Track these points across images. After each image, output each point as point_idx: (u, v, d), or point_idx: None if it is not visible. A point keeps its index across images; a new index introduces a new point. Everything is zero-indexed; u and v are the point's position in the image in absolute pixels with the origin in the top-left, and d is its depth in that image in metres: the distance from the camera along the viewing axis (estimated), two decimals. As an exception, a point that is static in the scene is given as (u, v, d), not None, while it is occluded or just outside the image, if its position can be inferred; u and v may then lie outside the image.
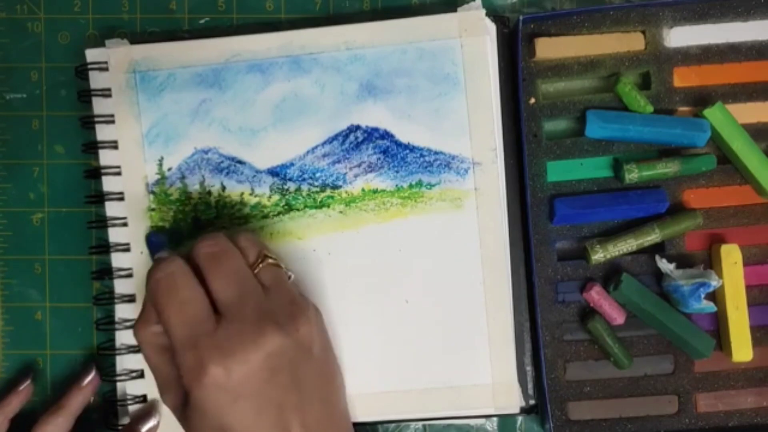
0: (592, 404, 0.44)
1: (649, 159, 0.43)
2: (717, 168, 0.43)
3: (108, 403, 0.44)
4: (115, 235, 0.43)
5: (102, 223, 0.43)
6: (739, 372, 0.44)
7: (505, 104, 0.43)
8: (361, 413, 0.43)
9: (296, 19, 0.46)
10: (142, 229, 0.43)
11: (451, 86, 0.43)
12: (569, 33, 0.44)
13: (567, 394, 0.44)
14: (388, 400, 0.43)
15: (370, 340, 0.43)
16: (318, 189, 0.43)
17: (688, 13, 0.44)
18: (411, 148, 0.43)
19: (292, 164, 0.43)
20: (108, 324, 0.43)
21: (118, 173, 0.43)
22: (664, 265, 0.43)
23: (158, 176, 0.43)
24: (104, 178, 0.43)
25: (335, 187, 0.43)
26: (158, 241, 0.42)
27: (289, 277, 0.39)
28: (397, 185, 0.43)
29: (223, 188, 0.43)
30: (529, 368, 0.43)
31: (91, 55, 0.43)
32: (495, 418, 0.45)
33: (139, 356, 0.43)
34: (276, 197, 0.43)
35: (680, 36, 0.44)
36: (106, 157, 0.43)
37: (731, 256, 0.43)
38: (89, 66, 0.43)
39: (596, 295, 0.43)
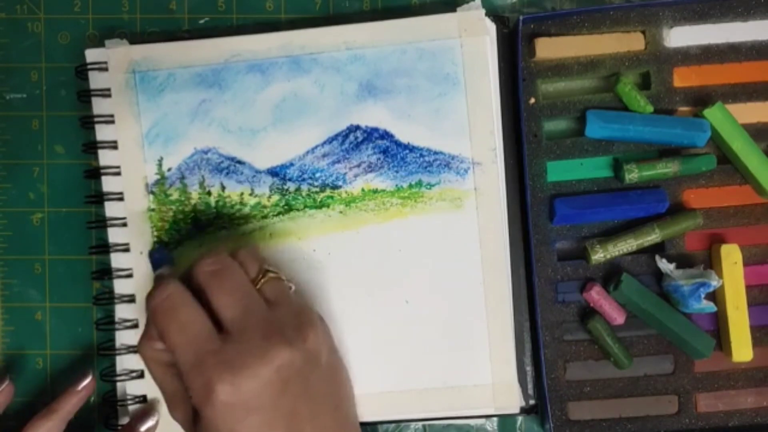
0: (592, 404, 0.44)
1: (649, 159, 0.43)
2: (717, 168, 0.43)
3: (108, 403, 0.44)
4: (114, 235, 0.43)
5: (102, 223, 0.43)
6: (739, 372, 0.44)
7: (505, 104, 0.43)
8: (361, 413, 0.42)
9: (296, 19, 0.46)
10: (143, 230, 0.43)
11: (450, 86, 0.43)
12: (569, 33, 0.44)
13: (567, 394, 0.44)
14: (388, 400, 0.43)
15: (370, 340, 0.43)
16: (318, 189, 0.43)
17: (688, 13, 0.44)
18: (411, 148, 0.43)
19: (291, 164, 0.43)
20: (108, 324, 0.43)
21: (118, 173, 0.43)
22: (664, 265, 0.43)
23: (158, 176, 0.43)
24: (104, 178, 0.43)
25: (335, 187, 0.43)
26: (161, 257, 0.42)
27: (291, 289, 0.39)
28: (396, 185, 0.43)
29: (223, 188, 0.43)
30: (529, 368, 0.43)
31: (91, 55, 0.43)
32: (495, 418, 0.45)
33: (139, 356, 0.43)
34: (276, 197, 0.43)
35: (680, 36, 0.44)
36: (105, 157, 0.43)
37: (731, 256, 0.43)
38: (89, 66, 0.43)
39: (596, 295, 0.43)
